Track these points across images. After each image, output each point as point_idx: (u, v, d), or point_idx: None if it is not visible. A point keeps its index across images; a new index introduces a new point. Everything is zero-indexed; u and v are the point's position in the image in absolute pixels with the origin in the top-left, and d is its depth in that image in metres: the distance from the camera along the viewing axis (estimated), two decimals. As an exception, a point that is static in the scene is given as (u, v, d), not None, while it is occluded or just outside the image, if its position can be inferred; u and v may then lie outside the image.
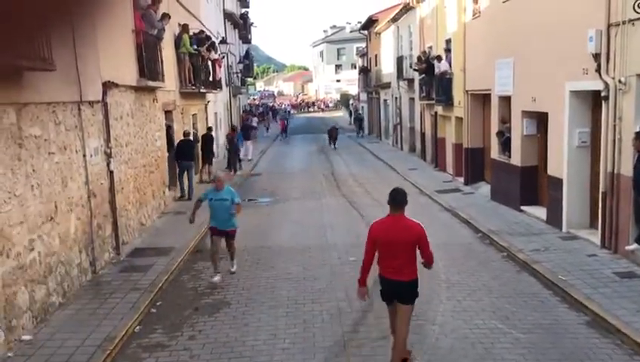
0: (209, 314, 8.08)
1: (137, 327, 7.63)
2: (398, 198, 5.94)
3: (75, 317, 7.73)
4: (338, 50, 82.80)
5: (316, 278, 9.50)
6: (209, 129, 20.81)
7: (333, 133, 34.07)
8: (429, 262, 6.08)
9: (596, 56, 9.81)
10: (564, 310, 7.84)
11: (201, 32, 19.83)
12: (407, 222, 5.97)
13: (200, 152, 19.56)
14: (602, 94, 9.80)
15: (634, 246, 9.09)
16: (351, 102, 59.66)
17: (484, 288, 8.78)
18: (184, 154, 16.12)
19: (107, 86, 10.26)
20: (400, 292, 6.00)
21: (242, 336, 7.26)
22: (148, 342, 7.23)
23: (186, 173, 16.34)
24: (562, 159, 11.38)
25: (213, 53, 21.12)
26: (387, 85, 33.21)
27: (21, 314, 7.05)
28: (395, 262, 5.92)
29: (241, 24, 38.90)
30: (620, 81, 9.31)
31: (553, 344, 6.78)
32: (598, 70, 9.79)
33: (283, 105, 71.44)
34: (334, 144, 33.27)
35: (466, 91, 17.65)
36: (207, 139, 20.01)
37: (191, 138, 16.79)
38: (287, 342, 7.05)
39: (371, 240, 6.00)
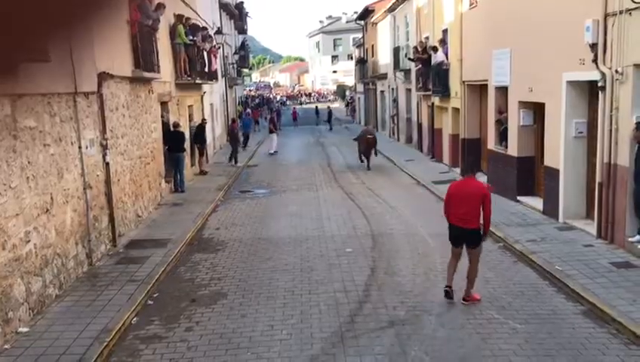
0: (206, 305, 8.07)
1: (134, 319, 7.63)
2: (471, 167, 7.99)
3: (72, 309, 7.72)
4: (334, 40, 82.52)
5: (313, 269, 9.50)
6: (203, 120, 20.74)
7: (369, 143, 20.69)
8: (485, 216, 7.53)
9: (593, 46, 9.79)
10: (560, 300, 7.86)
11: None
12: (475, 182, 7.76)
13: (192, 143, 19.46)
14: (599, 84, 9.79)
15: (637, 237, 9.11)
16: (347, 92, 59.87)
17: (481, 279, 8.73)
18: (173, 145, 15.86)
19: (102, 77, 10.20)
20: (467, 238, 7.59)
21: (239, 327, 7.26)
22: (145, 333, 7.23)
23: (177, 165, 16.13)
24: (559, 149, 11.38)
25: (207, 44, 20.98)
26: (384, 76, 33.13)
27: (17, 306, 7.03)
28: (461, 210, 7.49)
29: (236, 14, 38.69)
30: (616, 71, 9.30)
31: (550, 334, 6.80)
32: (595, 60, 9.77)
33: (278, 97, 71.45)
34: (368, 161, 21.09)
35: (463, 82, 17.62)
36: (201, 129, 19.94)
37: (180, 129, 16.51)
38: (285, 333, 7.06)
39: (447, 195, 7.77)
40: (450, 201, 7.69)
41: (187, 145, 17.24)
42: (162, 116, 15.59)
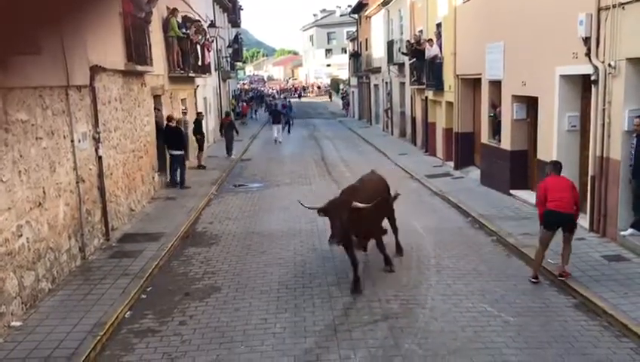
0: (200, 299, 8.07)
1: (128, 313, 7.62)
2: (558, 166, 8.38)
3: (65, 303, 7.71)
4: (328, 34, 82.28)
5: (307, 263, 9.52)
6: (199, 114, 20.66)
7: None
8: (574, 201, 8.07)
9: (586, 40, 9.81)
10: (552, 293, 7.91)
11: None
12: (563, 177, 8.28)
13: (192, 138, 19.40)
14: (592, 78, 9.82)
15: (629, 231, 9.16)
16: (341, 86, 60.03)
17: (474, 272, 8.83)
18: (174, 143, 15.68)
19: (95, 70, 10.13)
20: (565, 221, 7.96)
21: (233, 321, 7.27)
22: (138, 327, 7.23)
23: (178, 161, 15.94)
24: (552, 143, 11.41)
25: (200, 36, 20.87)
26: (378, 70, 33.08)
27: (10, 300, 7.01)
28: (562, 195, 7.93)
29: (230, 7, 38.49)
30: (609, 65, 9.32)
31: (542, 326, 6.85)
32: (588, 54, 9.79)
33: (270, 91, 71.48)
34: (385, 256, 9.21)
35: (457, 76, 17.62)
36: (198, 124, 19.89)
37: (179, 126, 16.33)
38: (278, 327, 7.07)
39: (542, 190, 8.16)
40: (549, 194, 8.07)
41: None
42: (166, 116, 15.54)
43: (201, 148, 19.88)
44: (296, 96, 69.68)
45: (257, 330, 6.99)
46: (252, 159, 23.08)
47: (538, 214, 8.40)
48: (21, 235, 7.40)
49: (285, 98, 59.25)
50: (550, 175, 8.31)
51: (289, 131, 33.23)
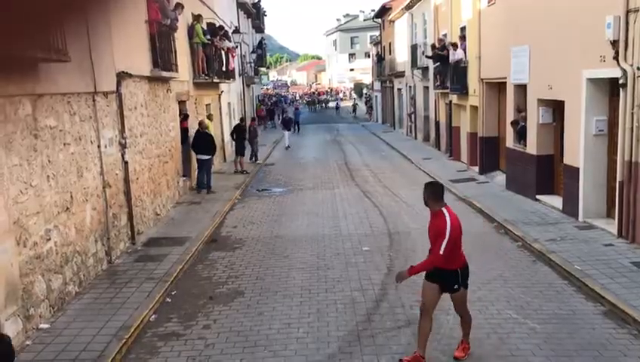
0: (223, 303, 8.12)
1: (153, 316, 7.70)
2: (436, 191, 6.10)
3: (92, 306, 7.82)
4: (351, 38, 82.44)
5: (330, 268, 9.51)
6: (241, 120, 20.85)
7: None
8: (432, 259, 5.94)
9: (614, 43, 9.65)
10: (580, 300, 7.77)
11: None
12: (436, 217, 5.98)
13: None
14: (620, 82, 9.65)
15: None
16: (364, 91, 59.98)
17: (499, 278, 8.72)
18: (202, 147, 15.88)
19: (121, 76, 10.29)
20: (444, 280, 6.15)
21: (256, 325, 7.29)
22: (163, 330, 7.30)
23: (204, 166, 16.10)
24: (579, 148, 11.24)
25: (226, 42, 21.06)
26: (401, 74, 32.99)
27: (38, 303, 7.14)
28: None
29: (254, 13, 38.77)
30: (638, 69, 9.16)
31: (569, 334, 6.73)
32: (616, 57, 9.63)
33: (295, 95, 71.66)
34: None
35: (481, 79, 17.48)
36: (240, 129, 20.10)
37: (208, 131, 16.53)
38: (301, 332, 7.07)
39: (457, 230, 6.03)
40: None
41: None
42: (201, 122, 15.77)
43: (242, 153, 20.01)
44: (322, 105, 66.56)
45: (280, 335, 7.00)
46: (275, 164, 23.17)
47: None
48: (49, 239, 7.54)
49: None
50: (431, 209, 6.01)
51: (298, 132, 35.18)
